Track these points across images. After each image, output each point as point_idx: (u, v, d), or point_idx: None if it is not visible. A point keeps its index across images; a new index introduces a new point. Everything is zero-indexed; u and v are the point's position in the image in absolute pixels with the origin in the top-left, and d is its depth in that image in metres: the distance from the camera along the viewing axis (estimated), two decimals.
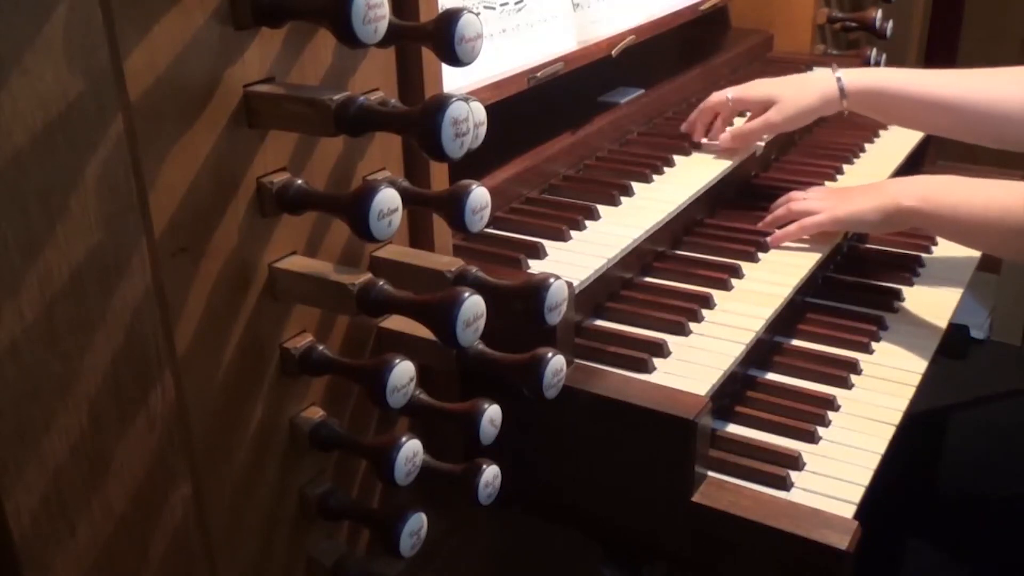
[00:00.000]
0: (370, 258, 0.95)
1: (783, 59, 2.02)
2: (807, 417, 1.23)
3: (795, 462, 1.15)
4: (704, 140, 1.58)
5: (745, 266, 1.39)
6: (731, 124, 1.61)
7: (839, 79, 1.54)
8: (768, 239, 1.45)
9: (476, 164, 1.03)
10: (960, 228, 1.37)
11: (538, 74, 1.37)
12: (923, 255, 1.64)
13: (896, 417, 1.25)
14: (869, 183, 1.47)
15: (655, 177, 1.46)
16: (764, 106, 1.56)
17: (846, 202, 1.43)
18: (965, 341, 3.33)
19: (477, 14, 0.76)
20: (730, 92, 1.59)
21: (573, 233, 1.30)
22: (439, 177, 1.00)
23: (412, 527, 0.88)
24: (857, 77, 1.55)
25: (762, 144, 1.59)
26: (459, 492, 0.89)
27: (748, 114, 1.61)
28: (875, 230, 1.55)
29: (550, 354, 0.86)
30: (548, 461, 1.14)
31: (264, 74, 0.80)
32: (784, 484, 1.11)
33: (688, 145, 1.56)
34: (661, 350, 1.19)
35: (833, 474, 1.14)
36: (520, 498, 1.02)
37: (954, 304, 1.52)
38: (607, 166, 1.51)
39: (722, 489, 1.07)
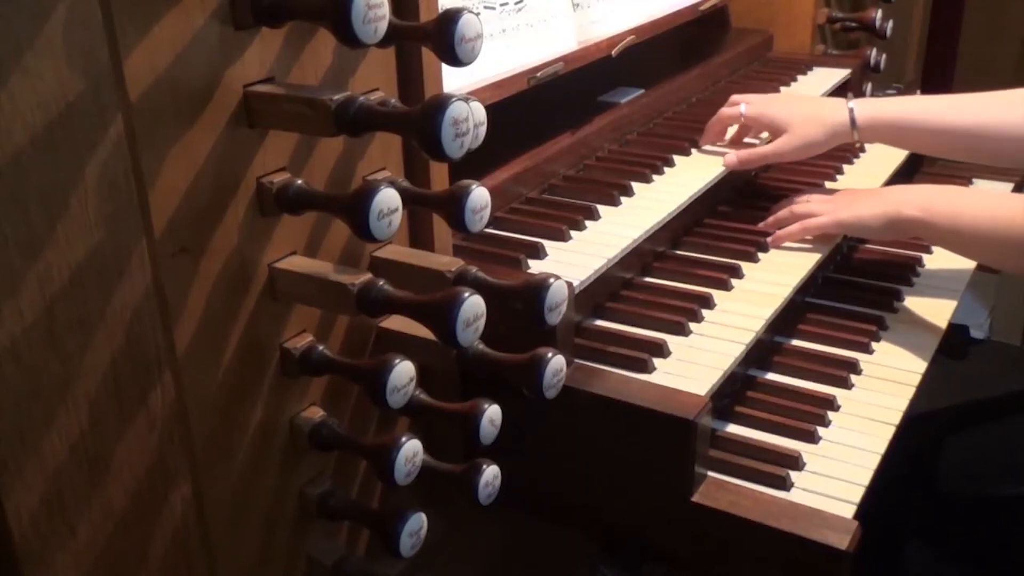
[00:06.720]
0: (370, 258, 0.95)
1: (783, 59, 2.02)
2: (807, 417, 1.23)
3: (795, 462, 1.15)
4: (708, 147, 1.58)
5: (745, 266, 1.39)
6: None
7: (851, 109, 1.50)
8: (769, 239, 1.45)
9: (476, 164, 1.03)
10: (960, 239, 1.37)
11: (538, 74, 1.37)
12: (923, 255, 1.64)
13: (896, 417, 1.25)
14: (873, 188, 1.47)
15: (655, 177, 1.46)
16: (774, 130, 1.54)
17: (849, 206, 1.43)
18: (965, 341, 3.32)
19: (477, 14, 0.76)
20: (744, 108, 1.56)
21: (573, 233, 1.30)
22: (439, 177, 1.00)
23: (412, 527, 0.88)
24: (870, 110, 1.51)
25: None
26: (459, 492, 0.89)
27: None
28: (876, 236, 1.54)
29: (550, 354, 0.86)
30: (548, 461, 1.14)
31: (264, 74, 0.81)
32: (784, 484, 1.11)
33: (688, 145, 1.57)
34: (661, 350, 1.19)
35: (833, 474, 1.14)
36: (520, 498, 1.01)
37: (954, 304, 1.52)
38: (607, 166, 1.51)
39: (722, 489, 1.07)
